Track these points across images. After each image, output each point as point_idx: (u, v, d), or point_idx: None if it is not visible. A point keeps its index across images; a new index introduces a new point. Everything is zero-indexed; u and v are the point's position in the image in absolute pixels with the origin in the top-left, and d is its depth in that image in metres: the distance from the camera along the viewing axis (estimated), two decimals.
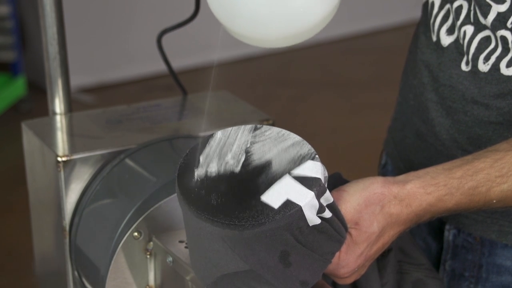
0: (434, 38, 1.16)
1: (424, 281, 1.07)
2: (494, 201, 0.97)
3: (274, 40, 1.01)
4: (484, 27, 1.08)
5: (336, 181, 1.00)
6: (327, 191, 0.89)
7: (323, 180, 0.88)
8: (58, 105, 1.31)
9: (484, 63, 1.09)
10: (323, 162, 0.89)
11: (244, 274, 0.89)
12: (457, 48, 1.12)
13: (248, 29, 1.00)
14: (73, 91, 3.91)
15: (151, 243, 1.07)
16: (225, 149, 0.91)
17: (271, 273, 0.89)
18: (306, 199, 0.86)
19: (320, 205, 0.88)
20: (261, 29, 0.99)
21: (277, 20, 0.98)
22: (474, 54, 1.10)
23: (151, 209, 1.06)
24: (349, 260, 0.94)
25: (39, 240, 1.30)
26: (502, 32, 1.06)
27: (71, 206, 1.17)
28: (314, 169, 0.88)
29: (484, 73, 1.09)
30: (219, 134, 0.93)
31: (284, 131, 0.92)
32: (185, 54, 4.07)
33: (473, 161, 0.97)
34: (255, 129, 0.93)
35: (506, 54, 1.07)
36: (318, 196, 0.87)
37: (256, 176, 0.89)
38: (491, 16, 1.06)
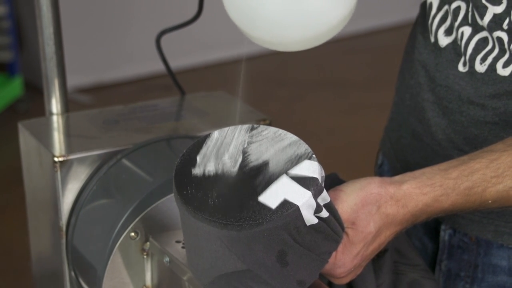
0: (432, 39, 1.16)
1: (420, 282, 1.08)
2: (490, 201, 0.97)
3: (293, 43, 1.01)
4: (482, 28, 1.08)
5: (332, 181, 1.00)
6: (324, 191, 0.89)
7: (320, 180, 0.88)
8: (55, 105, 1.31)
9: (481, 63, 1.09)
10: (320, 162, 0.90)
11: (242, 274, 0.89)
12: (455, 49, 1.12)
13: (267, 33, 1.00)
14: (70, 91, 3.90)
15: (148, 243, 1.07)
16: (222, 149, 0.91)
17: (268, 273, 0.89)
18: (303, 199, 0.86)
19: (317, 204, 0.88)
20: (280, 32, 0.99)
21: (296, 23, 0.99)
22: (471, 55, 1.10)
23: (148, 209, 1.06)
24: (346, 260, 0.95)
25: (36, 240, 1.30)
26: (498, 33, 1.06)
27: (68, 206, 1.17)
28: (311, 168, 0.88)
29: (480, 73, 1.09)
30: (216, 134, 0.93)
31: (281, 131, 0.92)
32: (182, 54, 4.07)
33: (468, 162, 0.97)
34: (252, 129, 0.93)
35: (503, 55, 1.07)
36: (316, 195, 0.87)
37: (253, 176, 0.89)
38: (487, 18, 1.06)
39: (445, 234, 1.18)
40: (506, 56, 1.07)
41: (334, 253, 0.94)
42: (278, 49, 1.03)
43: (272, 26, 0.99)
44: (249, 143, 0.92)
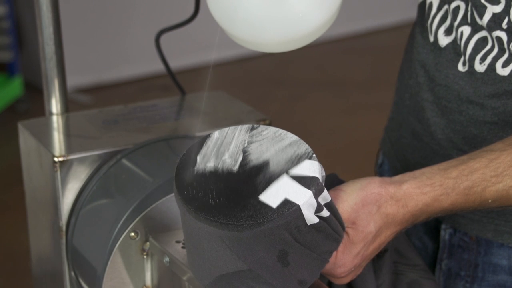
0: (432, 39, 1.16)
1: (419, 282, 1.08)
2: (490, 200, 0.97)
3: (273, 45, 1.01)
4: (481, 28, 1.08)
5: (332, 182, 1.00)
6: (325, 190, 0.89)
7: (320, 179, 0.88)
8: (55, 105, 1.31)
9: (480, 63, 1.09)
10: (320, 161, 0.90)
11: (243, 274, 0.89)
12: (455, 48, 1.13)
13: (247, 33, 1.00)
14: (70, 91, 3.90)
15: (148, 243, 1.07)
16: (222, 149, 0.91)
17: (269, 273, 0.89)
18: (304, 198, 0.86)
19: (318, 204, 0.88)
20: (260, 33, 1.00)
21: (276, 25, 0.99)
22: (470, 55, 1.10)
23: (148, 209, 1.06)
24: (346, 259, 0.95)
25: (36, 240, 1.30)
26: (498, 33, 1.06)
27: (68, 206, 1.17)
28: (311, 168, 0.88)
29: (480, 73, 1.09)
30: (216, 134, 0.93)
31: (281, 130, 0.92)
32: (182, 54, 4.08)
33: (468, 161, 0.97)
34: (252, 129, 0.93)
35: (502, 55, 1.07)
36: (316, 195, 0.87)
37: (254, 176, 0.89)
38: (487, 17, 1.06)
39: (445, 233, 1.18)
40: (506, 55, 1.07)
41: (334, 253, 0.94)
42: (258, 49, 1.03)
43: (251, 27, 0.99)
44: (249, 142, 0.92)
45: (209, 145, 0.92)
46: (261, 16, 0.98)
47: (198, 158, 0.91)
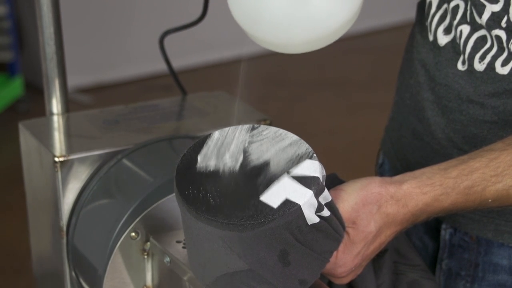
0: (431, 38, 1.16)
1: (419, 282, 1.08)
2: (490, 200, 0.97)
3: (297, 45, 1.02)
4: (480, 27, 1.09)
5: (332, 182, 1.00)
6: (326, 190, 0.89)
7: (321, 179, 0.88)
8: (55, 105, 1.31)
9: (479, 62, 1.09)
10: (320, 161, 0.90)
11: (243, 274, 0.89)
12: (454, 47, 1.13)
13: (272, 34, 1.00)
14: (71, 91, 3.90)
15: (149, 243, 1.07)
16: (223, 149, 0.91)
17: (270, 272, 0.89)
18: (305, 198, 0.86)
19: (319, 203, 0.88)
20: (284, 34, 1.00)
21: (300, 25, 0.99)
22: (470, 54, 1.10)
23: (149, 209, 1.06)
24: (347, 259, 0.95)
25: (37, 240, 1.30)
26: (497, 32, 1.06)
27: (68, 206, 1.17)
28: (312, 168, 0.88)
29: (479, 72, 1.10)
30: (216, 134, 0.93)
31: (281, 130, 0.92)
32: (183, 54, 4.08)
33: (468, 161, 0.97)
34: (253, 128, 0.93)
35: (501, 53, 1.07)
36: (317, 194, 0.87)
37: (255, 176, 0.89)
38: (486, 16, 1.06)
39: (445, 233, 1.18)
40: (505, 54, 1.07)
41: (335, 253, 0.94)
42: (281, 51, 1.03)
43: (276, 28, 1.00)
44: (250, 142, 0.92)
45: (210, 145, 0.92)
46: (285, 16, 0.99)
47: (199, 158, 0.91)
